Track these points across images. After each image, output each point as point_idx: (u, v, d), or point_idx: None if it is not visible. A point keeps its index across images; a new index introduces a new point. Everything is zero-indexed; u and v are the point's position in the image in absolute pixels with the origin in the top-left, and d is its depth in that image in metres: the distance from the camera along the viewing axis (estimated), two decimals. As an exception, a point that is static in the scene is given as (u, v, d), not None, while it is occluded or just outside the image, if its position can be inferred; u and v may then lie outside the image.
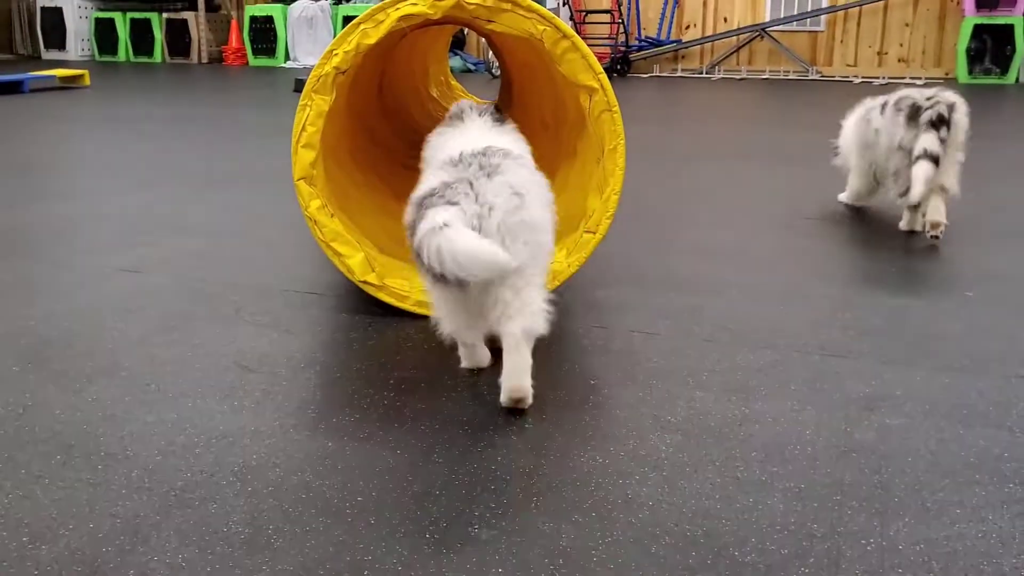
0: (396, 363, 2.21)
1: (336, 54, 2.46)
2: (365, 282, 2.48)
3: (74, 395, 1.98)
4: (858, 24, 11.35)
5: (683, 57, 12.07)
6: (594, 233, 2.54)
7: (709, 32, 11.85)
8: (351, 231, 2.56)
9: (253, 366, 2.17)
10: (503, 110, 2.53)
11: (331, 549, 1.45)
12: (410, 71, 4.51)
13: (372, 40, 2.44)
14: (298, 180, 2.46)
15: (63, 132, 6.26)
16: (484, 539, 1.48)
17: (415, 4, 2.43)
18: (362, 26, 2.44)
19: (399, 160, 3.86)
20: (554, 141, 3.05)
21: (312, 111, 2.46)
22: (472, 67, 12.09)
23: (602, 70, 2.51)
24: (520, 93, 3.90)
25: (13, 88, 8.74)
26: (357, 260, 2.48)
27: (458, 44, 12.29)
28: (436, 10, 2.43)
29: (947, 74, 11.02)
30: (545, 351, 2.27)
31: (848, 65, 11.38)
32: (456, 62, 11.74)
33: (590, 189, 2.59)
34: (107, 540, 1.46)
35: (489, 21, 2.47)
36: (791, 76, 11.34)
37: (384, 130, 3.92)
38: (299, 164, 2.46)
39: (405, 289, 2.50)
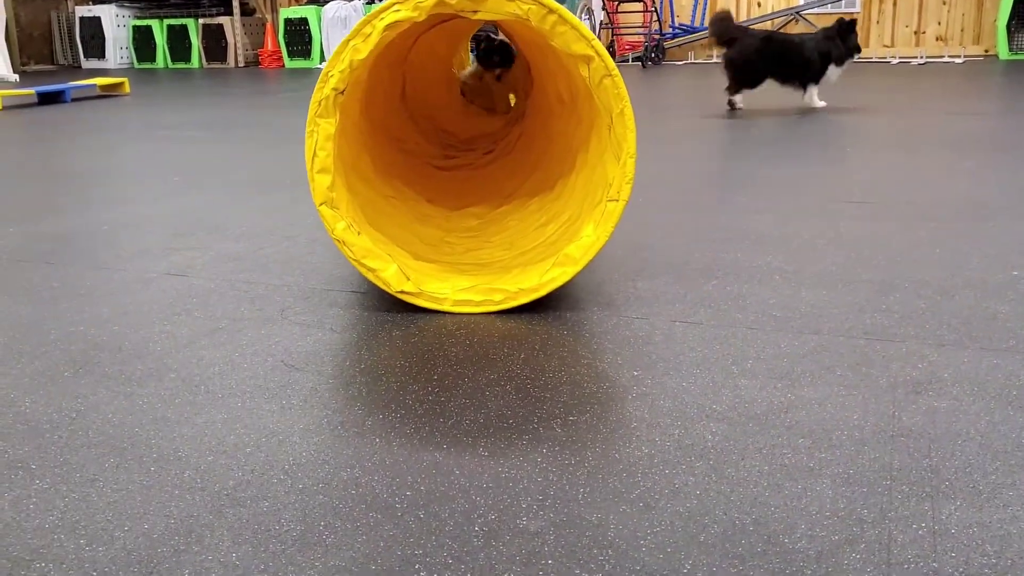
0: (439, 359, 2.22)
1: (332, 75, 2.49)
2: (402, 291, 2.51)
3: (125, 398, 2.02)
4: (894, 3, 11.18)
5: (717, 43, 11.98)
6: (617, 200, 2.52)
7: (743, 17, 11.75)
8: (382, 244, 2.58)
9: (299, 365, 2.19)
10: (527, 92, 2.62)
11: (381, 544, 1.47)
12: (436, 77, 4.56)
13: (363, 54, 2.46)
14: (320, 206, 2.48)
15: (105, 140, 6.36)
16: (532, 530, 1.49)
17: (398, 11, 2.45)
18: (352, 42, 2.47)
19: (432, 164, 3.88)
20: (573, 115, 3.04)
21: (320, 136, 2.48)
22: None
23: (594, 36, 2.48)
24: (536, 73, 3.91)
25: (55, 98, 8.90)
26: (391, 272, 2.50)
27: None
28: (420, 11, 2.44)
29: (987, 51, 10.83)
30: (587, 344, 2.27)
31: (885, 45, 11.21)
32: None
33: (607, 159, 2.57)
34: (162, 541, 1.49)
35: (474, 12, 2.46)
36: (828, 58, 11.19)
37: (413, 137, 3.94)
38: (317, 190, 2.49)
39: (443, 292, 2.51)
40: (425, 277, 2.56)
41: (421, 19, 2.46)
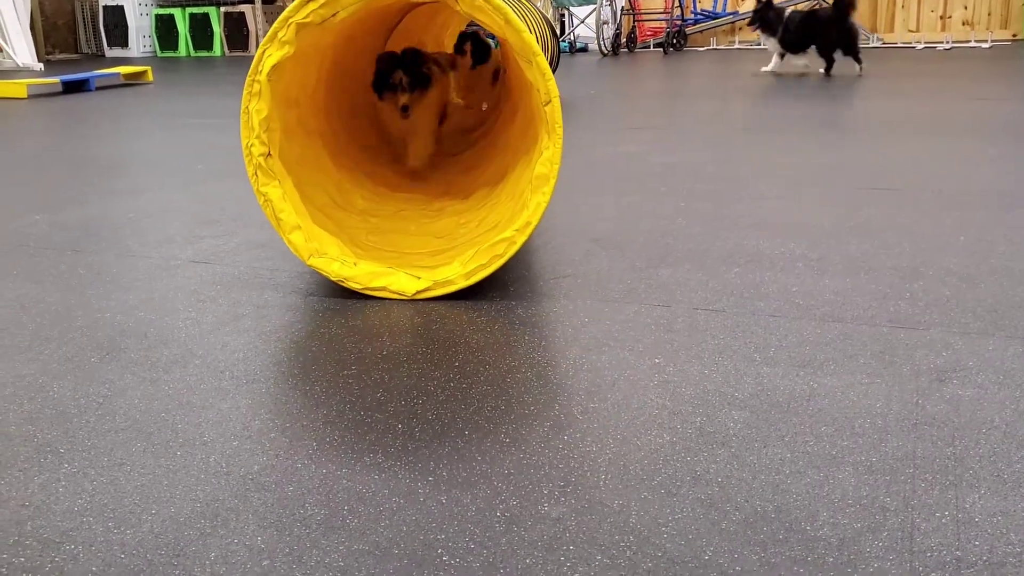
0: (459, 346, 2.23)
1: (252, 145, 2.56)
2: (418, 292, 2.53)
3: (151, 384, 2.05)
4: (921, -13, 11.05)
5: (740, 29, 11.88)
6: (550, 101, 2.48)
7: None
8: (382, 262, 2.60)
9: (323, 352, 2.21)
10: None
11: (404, 529, 1.48)
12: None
13: (265, 112, 2.52)
14: (308, 260, 2.56)
15: (129, 128, 6.40)
16: (554, 516, 1.50)
17: (270, 56, 2.50)
18: (250, 107, 2.53)
19: (447, 153, 3.89)
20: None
21: (273, 202, 2.57)
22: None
23: None
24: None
25: (80, 87, 8.97)
26: (400, 282, 2.55)
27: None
28: (291, 46, 2.49)
29: (1015, 35, 10.69)
30: (608, 331, 2.27)
31: (910, 30, 11.09)
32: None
33: (534, 80, 2.54)
34: (188, 524, 1.51)
35: None
36: (852, 44, 11.08)
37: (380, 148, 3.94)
38: (299, 249, 2.56)
39: (453, 274, 2.53)
40: (435, 270, 2.56)
41: (291, 52, 2.49)
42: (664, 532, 1.45)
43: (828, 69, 8.40)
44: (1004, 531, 1.41)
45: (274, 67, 2.49)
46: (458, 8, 2.49)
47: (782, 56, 8.74)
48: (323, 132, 3.12)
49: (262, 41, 2.52)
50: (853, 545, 1.39)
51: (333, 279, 2.56)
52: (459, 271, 2.52)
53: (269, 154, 2.55)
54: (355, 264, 2.55)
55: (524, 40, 2.45)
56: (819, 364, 2.04)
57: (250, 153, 2.55)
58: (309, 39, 2.55)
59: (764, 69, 8.85)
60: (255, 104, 2.52)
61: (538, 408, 1.88)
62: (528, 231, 2.49)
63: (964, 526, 1.43)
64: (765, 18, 8.57)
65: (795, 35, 8.47)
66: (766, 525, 1.45)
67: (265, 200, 2.56)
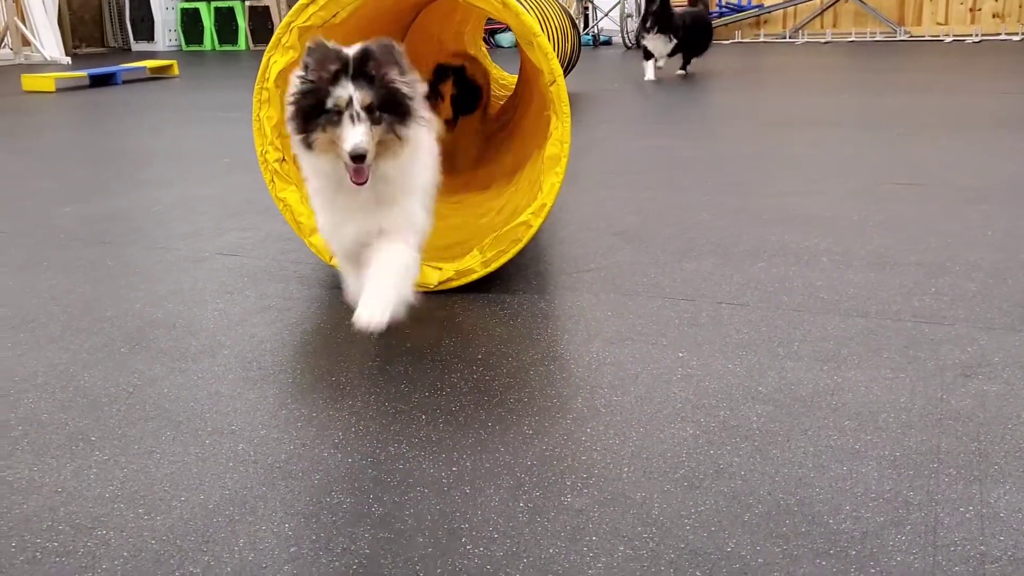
0: (482, 339, 2.25)
1: (266, 151, 2.62)
2: (440, 283, 2.55)
3: (180, 374, 2.07)
4: (950, -21, 10.94)
5: (765, 22, 11.81)
6: (555, 81, 2.48)
7: (790, -6, 11.56)
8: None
9: (348, 344, 2.23)
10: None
11: (429, 518, 1.50)
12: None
13: (276, 119, 2.56)
14: (331, 262, 2.55)
15: (156, 121, 6.46)
16: (577, 507, 1.51)
17: (276, 63, 2.56)
18: (261, 114, 2.60)
19: (469, 149, 3.91)
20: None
21: (292, 206, 2.61)
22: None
23: None
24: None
25: (107, 80, 9.05)
26: (423, 275, 2.55)
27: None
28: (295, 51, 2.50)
29: (1046, 28, 10.55)
30: (632, 324, 2.28)
31: (938, 23, 10.99)
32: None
33: (539, 64, 2.55)
34: (217, 511, 1.53)
35: None
36: (878, 38, 11.00)
37: (445, 140, 3.98)
38: (321, 252, 2.60)
39: (472, 263, 2.54)
40: (452, 262, 2.58)
41: (297, 56, 2.49)
42: (687, 524, 1.45)
43: (686, 67, 8.17)
44: (1028, 526, 1.41)
45: (280, 72, 2.52)
46: (462, 1, 2.50)
47: (659, 61, 7.91)
48: None
49: (267, 47, 2.54)
50: (876, 539, 1.40)
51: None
52: (478, 259, 2.53)
53: (284, 159, 2.57)
54: None
55: (523, 22, 2.45)
56: (843, 359, 2.03)
57: (265, 160, 2.58)
58: None
59: (648, 78, 7.79)
60: (266, 111, 2.55)
61: (561, 401, 1.89)
62: (544, 213, 2.49)
63: (989, 521, 1.43)
64: (664, 19, 7.67)
65: (689, 36, 7.85)
66: (789, 518, 1.46)
67: (284, 205, 2.59)
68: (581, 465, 1.64)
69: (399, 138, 1.94)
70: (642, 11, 8.13)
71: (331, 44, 1.88)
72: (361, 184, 1.92)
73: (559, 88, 2.49)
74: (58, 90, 8.47)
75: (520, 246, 2.51)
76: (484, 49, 5.53)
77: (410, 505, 1.54)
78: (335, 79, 1.87)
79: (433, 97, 3.23)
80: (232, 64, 11.39)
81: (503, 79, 5.33)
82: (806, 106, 6.16)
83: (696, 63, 8.20)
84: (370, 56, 1.88)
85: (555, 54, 2.52)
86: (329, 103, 1.87)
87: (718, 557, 1.37)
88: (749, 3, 11.72)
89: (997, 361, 1.99)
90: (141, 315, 2.45)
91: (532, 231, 2.50)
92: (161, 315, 2.45)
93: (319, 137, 1.91)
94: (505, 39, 11.59)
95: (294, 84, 1.93)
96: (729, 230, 3.09)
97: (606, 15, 12.08)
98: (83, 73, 8.99)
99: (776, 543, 1.40)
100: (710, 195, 3.62)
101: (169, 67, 9.86)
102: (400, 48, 1.92)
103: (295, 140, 1.96)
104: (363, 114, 1.87)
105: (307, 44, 1.90)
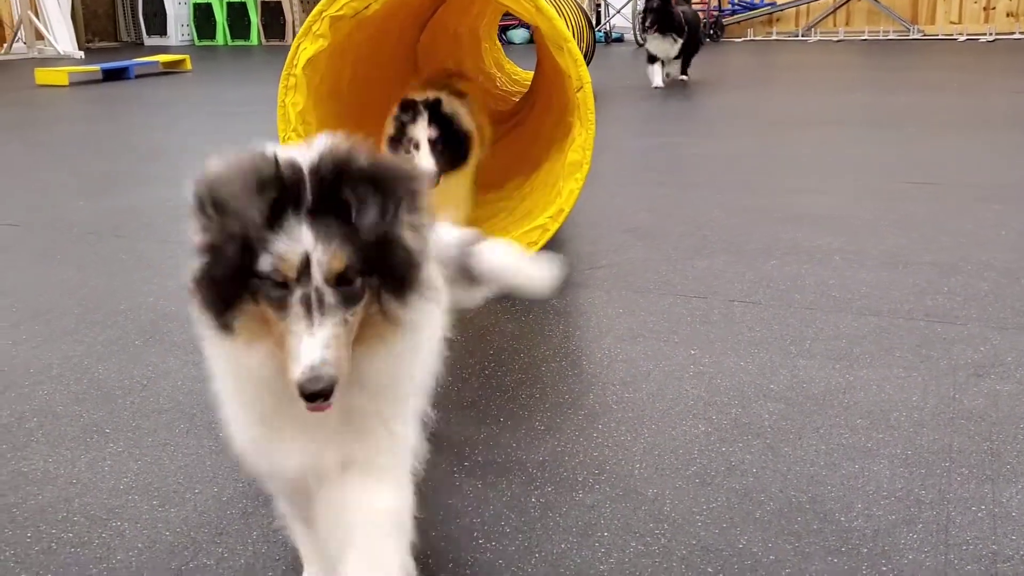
0: (494, 334, 2.25)
1: (288, 137, 2.59)
2: None
3: (193, 367, 2.08)
4: (964, -22, 10.88)
5: (778, 20, 11.78)
6: (582, 87, 2.49)
7: (804, -7, 11.53)
8: None
9: (359, 338, 2.24)
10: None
11: (441, 512, 1.50)
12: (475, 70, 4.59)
13: (302, 105, 2.58)
14: None
15: (168, 116, 6.48)
16: (589, 503, 1.51)
17: (305, 49, 2.53)
18: (287, 100, 2.59)
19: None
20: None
21: None
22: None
23: None
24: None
25: (120, 74, 9.08)
26: None
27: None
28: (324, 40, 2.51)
29: (1060, 28, 10.49)
30: (644, 322, 2.28)
31: (952, 22, 10.93)
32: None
33: (567, 66, 2.56)
34: (230, 503, 1.54)
35: None
36: (891, 36, 10.95)
37: None
38: None
39: None
40: None
41: (325, 45, 2.51)
42: (698, 520, 1.46)
43: (687, 70, 7.48)
44: (1041, 526, 1.41)
45: (309, 60, 2.52)
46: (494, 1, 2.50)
47: (666, 64, 7.17)
48: (360, 125, 3.13)
49: (297, 35, 2.55)
50: (888, 537, 1.40)
51: None
52: None
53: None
54: None
55: (556, 27, 2.46)
56: (855, 357, 2.03)
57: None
58: (343, 32, 2.57)
59: (656, 85, 7.09)
60: (291, 97, 2.56)
61: (572, 397, 1.90)
62: (561, 218, 2.50)
63: (1001, 520, 1.43)
64: (665, 16, 6.93)
65: (692, 37, 7.17)
66: (800, 515, 1.46)
67: None
68: (593, 461, 1.64)
69: (392, 322, 1.09)
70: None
71: (265, 151, 1.08)
72: (320, 411, 1.05)
73: (586, 95, 2.50)
74: (71, 84, 8.51)
75: (535, 249, 2.52)
76: (498, 44, 5.52)
77: (422, 499, 1.54)
78: (274, 216, 1.02)
79: (397, 145, 2.59)
80: (244, 59, 11.41)
81: (516, 75, 5.32)
82: (818, 104, 6.15)
83: (707, 61, 8.16)
84: (346, 171, 1.03)
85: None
86: (263, 265, 1.02)
87: (730, 554, 1.37)
88: (762, 1, 11.68)
89: (1010, 361, 1.98)
90: (155, 308, 2.47)
91: (548, 235, 2.51)
92: (174, 308, 2.46)
93: (245, 314, 1.06)
94: (517, 35, 11.58)
95: (194, 232, 1.10)
96: (741, 228, 3.08)
97: (618, 12, 12.07)
98: (96, 67, 9.03)
99: (788, 540, 1.40)
100: (722, 193, 3.61)
101: (182, 62, 9.89)
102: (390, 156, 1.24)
103: (202, 320, 1.11)
104: (329, 296, 1.01)
105: (208, 161, 1.11)
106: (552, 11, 2.45)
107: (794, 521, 1.45)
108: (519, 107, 4.46)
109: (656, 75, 7.12)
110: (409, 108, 2.59)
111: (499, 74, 5.13)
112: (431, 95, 2.61)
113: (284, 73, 2.54)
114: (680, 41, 7.00)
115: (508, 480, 1.59)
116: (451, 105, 2.63)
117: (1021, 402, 1.80)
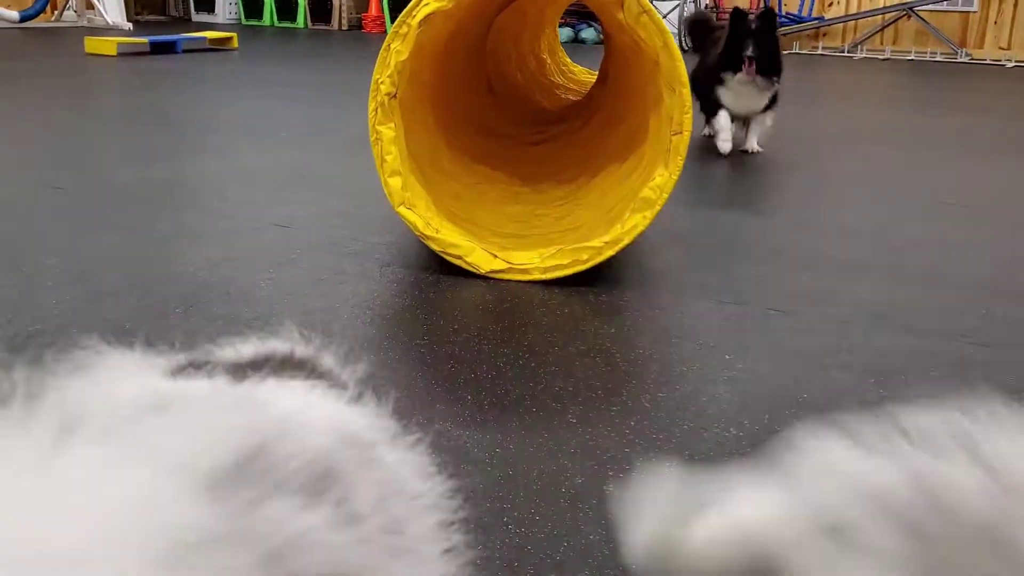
0: (529, 326, 2.27)
1: (382, 82, 2.56)
2: (492, 271, 2.55)
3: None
4: (1015, 3, 10.76)
5: (825, 35, 11.70)
6: (680, 133, 2.48)
7: (853, 10, 11.45)
8: (465, 230, 2.63)
9: (396, 321, 2.26)
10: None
11: (472, 497, 1.52)
12: (514, 56, 4.57)
13: (405, 55, 2.54)
14: (398, 207, 2.57)
15: (214, 91, 6.55)
16: (618, 497, 1.52)
17: (428, 4, 2.50)
18: (392, 46, 2.54)
19: (524, 142, 3.92)
20: (642, 71, 2.98)
21: (384, 141, 2.58)
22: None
23: None
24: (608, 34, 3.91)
25: (167, 48, 9.17)
26: (477, 256, 2.56)
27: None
28: (450, 0, 2.47)
29: (1112, 60, 10.36)
30: (679, 324, 2.29)
31: (1001, 48, 10.82)
32: (590, 33, 11.63)
33: (664, 93, 2.53)
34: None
35: None
36: (938, 58, 10.85)
37: (502, 123, 3.98)
38: (392, 193, 2.59)
39: (531, 262, 2.55)
40: (512, 252, 2.60)
41: (449, 7, 2.49)
42: (727, 522, 1.46)
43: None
44: (1071, 552, 1.40)
45: (427, 16, 2.52)
46: (621, 17, 2.50)
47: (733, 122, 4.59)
48: (433, 89, 3.13)
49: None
50: (916, 552, 1.40)
51: (416, 234, 2.60)
52: (537, 263, 2.54)
53: (395, 95, 2.58)
54: (437, 232, 2.59)
55: (676, 68, 2.46)
56: (890, 374, 2.03)
57: (377, 89, 2.57)
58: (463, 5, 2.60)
59: (724, 151, 4.46)
60: (397, 44, 2.54)
61: (605, 393, 1.91)
62: (617, 247, 2.50)
63: (1030, 544, 1.42)
64: (769, 51, 4.43)
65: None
66: (829, 525, 1.46)
67: (376, 138, 2.59)
68: (623, 456, 1.66)
69: None
70: (725, 35, 4.48)
71: None
72: None
73: (682, 140, 2.49)
74: (119, 55, 8.60)
75: (583, 268, 2.52)
76: (561, 50, 5.51)
77: (453, 480, 1.56)
78: None
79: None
80: (290, 41, 11.49)
81: (565, 65, 5.32)
82: (862, 121, 6.11)
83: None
84: None
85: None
86: None
87: (757, 557, 1.38)
88: (809, 14, 11.62)
89: (1047, 388, 1.97)
90: (195, 278, 2.50)
91: (600, 259, 2.51)
92: (216, 280, 2.49)
93: None
94: (589, 36, 11.54)
95: None
96: (781, 238, 3.08)
97: (664, 17, 12.04)
98: (144, 40, 9.11)
99: (815, 548, 1.40)
100: (764, 202, 3.61)
101: (229, 39, 9.96)
102: None
103: None
104: None
105: None
106: (678, 51, 2.45)
107: (822, 530, 1.45)
108: (567, 114, 4.44)
109: (723, 137, 4.46)
110: None
111: (550, 60, 5.14)
112: None
113: (399, 19, 2.54)
114: (776, 86, 4.53)
115: (539, 469, 1.60)
116: None
117: (1056, 429, 1.79)
